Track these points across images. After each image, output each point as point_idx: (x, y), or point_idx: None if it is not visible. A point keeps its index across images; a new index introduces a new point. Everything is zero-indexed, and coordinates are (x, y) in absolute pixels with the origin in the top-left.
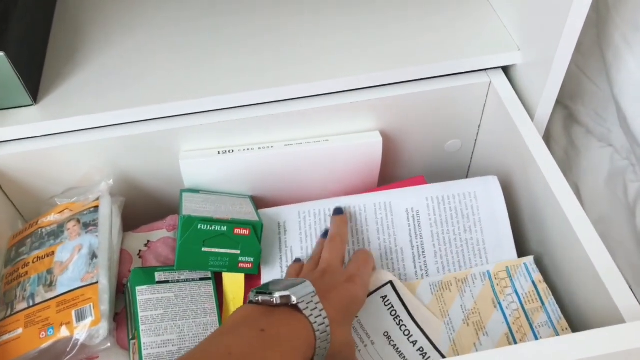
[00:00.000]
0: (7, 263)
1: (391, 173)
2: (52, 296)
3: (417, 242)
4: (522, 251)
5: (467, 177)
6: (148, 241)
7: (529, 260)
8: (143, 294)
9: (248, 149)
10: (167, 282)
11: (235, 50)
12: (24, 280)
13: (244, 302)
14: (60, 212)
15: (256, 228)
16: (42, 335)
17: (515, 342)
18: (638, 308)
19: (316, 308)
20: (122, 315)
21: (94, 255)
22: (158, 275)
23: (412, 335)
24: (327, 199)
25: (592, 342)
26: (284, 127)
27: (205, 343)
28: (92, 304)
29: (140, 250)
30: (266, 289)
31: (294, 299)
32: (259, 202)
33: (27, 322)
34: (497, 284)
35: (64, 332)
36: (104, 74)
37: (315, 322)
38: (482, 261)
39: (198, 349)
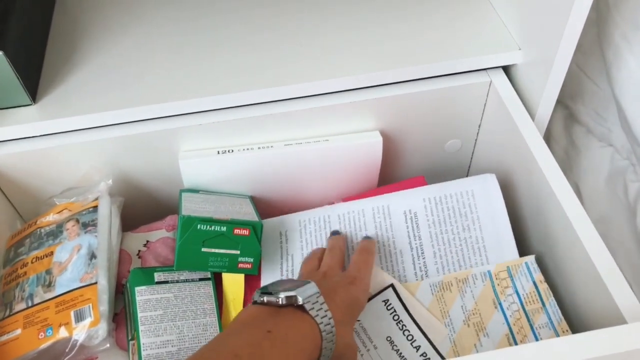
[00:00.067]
0: (6, 263)
1: (391, 173)
2: (51, 296)
3: (416, 244)
4: (523, 251)
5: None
6: (147, 241)
7: (530, 259)
8: (142, 295)
9: (248, 149)
10: (166, 282)
11: (235, 49)
12: (22, 281)
13: (244, 303)
14: (59, 212)
15: (256, 228)
16: (41, 335)
17: (516, 343)
18: (639, 308)
19: (321, 309)
20: (121, 316)
21: (93, 256)
22: (157, 276)
23: (415, 340)
24: (326, 207)
25: (593, 342)
26: (283, 127)
27: (212, 344)
28: (91, 305)
29: (139, 251)
30: (271, 290)
31: (300, 300)
32: (258, 202)
33: (25, 322)
34: (498, 284)
35: (62, 332)
36: (103, 74)
37: (322, 322)
38: (482, 260)
39: (205, 350)
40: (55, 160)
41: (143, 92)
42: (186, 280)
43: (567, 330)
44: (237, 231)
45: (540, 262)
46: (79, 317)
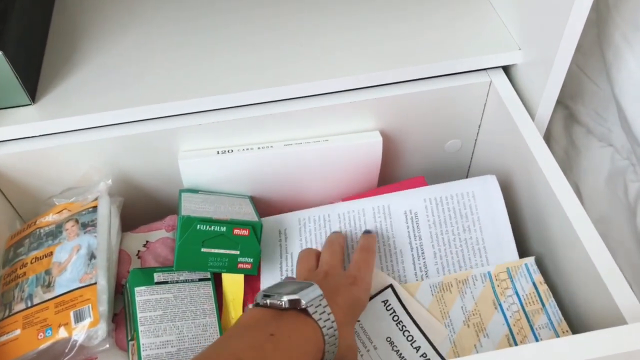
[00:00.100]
0: (5, 264)
1: (391, 173)
2: (50, 297)
3: (416, 244)
4: (522, 251)
5: (467, 177)
6: (147, 241)
7: (530, 260)
8: (142, 295)
9: (247, 149)
10: (166, 282)
11: (235, 49)
12: (22, 281)
13: (244, 303)
14: (59, 212)
15: (255, 228)
16: (41, 336)
17: (516, 344)
18: (639, 308)
19: (324, 312)
20: (121, 316)
21: (92, 256)
22: (157, 276)
23: (415, 341)
24: (326, 206)
25: (593, 343)
26: (283, 127)
27: (213, 346)
28: (90, 305)
29: (139, 251)
30: (273, 292)
31: (303, 303)
32: (258, 202)
33: (25, 323)
34: (498, 285)
35: (62, 333)
36: (102, 74)
37: (325, 326)
38: (482, 261)
39: (207, 352)
40: (54, 160)
41: (143, 92)
42: (186, 281)
43: (567, 331)
44: (236, 231)
45: (540, 263)
46: (79, 318)
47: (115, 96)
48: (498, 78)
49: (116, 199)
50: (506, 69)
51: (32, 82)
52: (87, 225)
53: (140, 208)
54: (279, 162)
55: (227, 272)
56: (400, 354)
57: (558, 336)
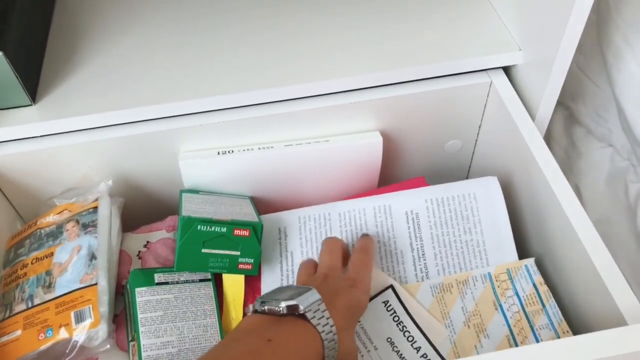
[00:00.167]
0: (6, 264)
1: (391, 173)
2: (51, 297)
3: (417, 245)
4: (522, 252)
5: (467, 178)
6: (147, 242)
7: (530, 262)
8: (142, 296)
9: (248, 150)
10: (166, 283)
11: (235, 49)
12: (22, 282)
13: (244, 304)
14: (59, 212)
15: (256, 229)
16: (41, 336)
17: (516, 344)
18: (639, 309)
19: (323, 316)
20: (122, 317)
21: (93, 256)
22: (157, 277)
23: (415, 341)
24: (327, 204)
25: (594, 344)
26: (283, 128)
27: (211, 352)
28: (91, 306)
29: (139, 251)
30: (272, 298)
31: (301, 309)
32: (258, 203)
33: (25, 323)
34: (498, 286)
35: (63, 333)
36: (103, 74)
37: (323, 330)
38: (483, 263)
39: (204, 358)
40: (55, 160)
41: (143, 93)
42: (186, 281)
43: (567, 331)
44: (237, 232)
45: (540, 263)
46: (79, 318)
47: (115, 96)
48: (498, 78)
49: (117, 200)
50: (506, 70)
51: (33, 82)
52: (87, 225)
53: (141, 208)
54: (279, 163)
55: (227, 272)
56: (401, 354)
57: (558, 336)
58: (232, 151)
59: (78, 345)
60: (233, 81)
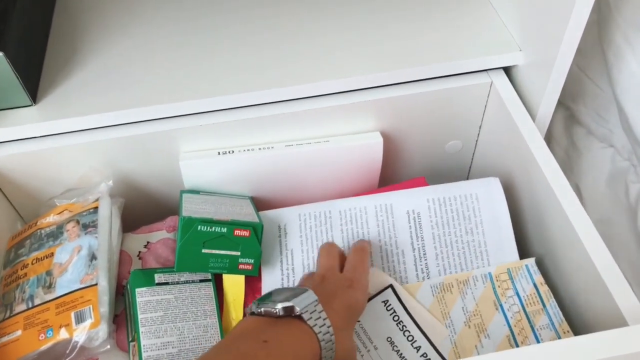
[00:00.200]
0: (6, 264)
1: (392, 174)
2: (51, 298)
3: (418, 244)
4: (523, 252)
5: (467, 178)
6: (148, 242)
7: (530, 262)
8: (143, 296)
9: (248, 150)
10: (166, 283)
11: (235, 50)
12: (23, 282)
13: (244, 304)
14: (60, 213)
15: (256, 229)
16: (41, 337)
17: (517, 344)
18: None
19: (320, 317)
20: (122, 317)
21: (93, 257)
22: (158, 277)
23: (415, 341)
24: (327, 202)
25: (595, 345)
26: (284, 128)
27: (206, 357)
28: (91, 306)
29: (139, 252)
30: (268, 300)
31: (297, 310)
32: (259, 203)
33: (26, 324)
34: (499, 286)
35: (63, 334)
36: (103, 74)
37: (320, 331)
38: (484, 263)
39: None
40: (55, 161)
41: (143, 93)
42: (187, 282)
43: (568, 331)
44: (237, 232)
45: (540, 263)
46: (80, 319)
47: (116, 97)
48: (499, 79)
49: (117, 200)
50: (507, 70)
51: (33, 82)
52: (88, 226)
53: (141, 209)
54: (279, 163)
55: (227, 273)
56: (401, 354)
57: (559, 336)
58: (233, 151)
59: (78, 345)
60: (233, 81)
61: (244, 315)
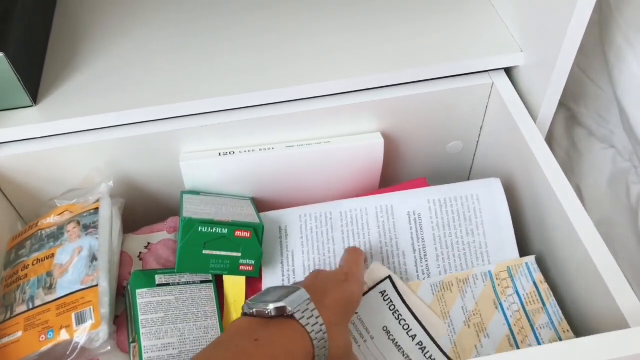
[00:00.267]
0: (7, 265)
1: (392, 175)
2: (51, 299)
3: (419, 246)
4: (524, 253)
5: (469, 179)
6: (148, 243)
7: (531, 259)
8: (143, 297)
9: (249, 151)
10: (167, 284)
11: (236, 51)
12: (23, 283)
13: None
14: (60, 213)
15: (257, 230)
16: (42, 338)
17: (517, 344)
18: None
19: (312, 316)
20: (123, 318)
21: (94, 258)
22: (158, 278)
23: (411, 330)
24: (328, 203)
25: (596, 346)
26: (285, 129)
27: (197, 357)
28: (92, 307)
29: (140, 252)
30: (260, 300)
31: (289, 310)
32: (260, 204)
33: (26, 325)
34: (499, 284)
35: (63, 335)
36: (104, 75)
37: (313, 330)
38: (485, 264)
39: None
40: (56, 161)
41: (144, 94)
42: (187, 283)
43: (567, 331)
44: (238, 233)
45: (541, 264)
46: (80, 320)
47: (116, 98)
48: (500, 80)
49: (118, 201)
50: (508, 71)
51: (34, 83)
52: (88, 227)
53: (142, 210)
54: (280, 164)
55: (228, 274)
56: (397, 342)
57: (559, 336)
58: (233, 152)
59: (79, 346)
60: (234, 82)
61: None
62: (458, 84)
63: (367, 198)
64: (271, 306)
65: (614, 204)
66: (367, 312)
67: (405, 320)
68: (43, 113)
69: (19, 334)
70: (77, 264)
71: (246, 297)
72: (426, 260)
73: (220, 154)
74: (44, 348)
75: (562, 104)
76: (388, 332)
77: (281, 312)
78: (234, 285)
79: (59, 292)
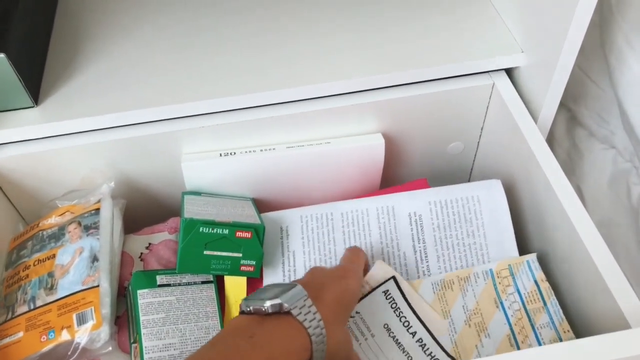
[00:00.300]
0: (8, 266)
1: (393, 175)
2: (53, 299)
3: (419, 247)
4: (524, 253)
5: (469, 180)
6: (149, 244)
7: (532, 257)
8: (144, 298)
9: (250, 151)
10: (168, 285)
11: (237, 51)
12: (24, 284)
13: None
14: (61, 214)
15: (258, 231)
16: (43, 338)
17: (517, 344)
18: None
19: (309, 312)
20: (124, 319)
21: (95, 258)
22: (159, 279)
23: (411, 327)
24: (329, 203)
25: (597, 347)
26: (285, 129)
27: (194, 356)
28: (93, 308)
29: (141, 253)
30: (257, 297)
31: (286, 306)
32: (260, 205)
33: (27, 325)
34: (500, 283)
35: (64, 335)
36: (105, 76)
37: (310, 326)
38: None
39: None
40: (57, 162)
41: (145, 95)
42: (188, 283)
43: (568, 331)
44: (239, 234)
45: (541, 264)
46: (81, 320)
47: (117, 98)
48: (501, 81)
49: (119, 201)
50: (509, 72)
51: (35, 84)
52: (89, 227)
53: (143, 210)
54: (281, 165)
55: (229, 274)
56: (397, 339)
57: (559, 336)
58: (234, 153)
59: (80, 347)
60: (235, 83)
61: None
62: (459, 85)
63: (368, 199)
64: (268, 303)
65: (615, 205)
66: (369, 311)
67: (405, 317)
68: (44, 114)
69: (20, 334)
70: (78, 265)
71: None
72: (427, 262)
73: (221, 155)
74: (45, 348)
75: (562, 104)
76: (389, 330)
77: (278, 309)
78: (235, 286)
79: (60, 293)
